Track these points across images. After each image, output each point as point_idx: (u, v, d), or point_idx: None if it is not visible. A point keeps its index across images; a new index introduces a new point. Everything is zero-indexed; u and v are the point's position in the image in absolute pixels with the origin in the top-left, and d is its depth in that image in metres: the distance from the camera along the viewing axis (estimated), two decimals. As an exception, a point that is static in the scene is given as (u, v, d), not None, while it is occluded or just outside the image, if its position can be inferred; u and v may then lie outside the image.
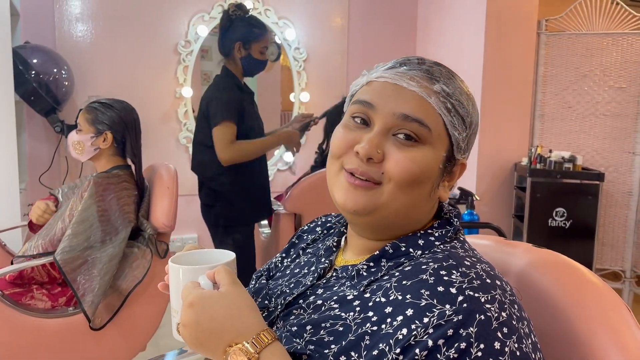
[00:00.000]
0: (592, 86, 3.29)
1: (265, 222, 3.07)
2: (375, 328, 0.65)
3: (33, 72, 2.76)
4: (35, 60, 2.80)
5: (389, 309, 0.66)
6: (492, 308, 0.61)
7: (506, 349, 0.59)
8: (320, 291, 0.77)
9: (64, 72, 2.92)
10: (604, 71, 3.27)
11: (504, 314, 0.62)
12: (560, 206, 2.97)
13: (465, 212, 2.70)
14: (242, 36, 2.34)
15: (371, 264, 0.75)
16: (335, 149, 0.76)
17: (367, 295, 0.70)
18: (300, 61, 3.61)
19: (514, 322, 0.62)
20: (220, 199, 2.40)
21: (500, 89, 3.14)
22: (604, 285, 0.76)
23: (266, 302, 0.84)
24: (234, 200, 2.39)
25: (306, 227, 0.99)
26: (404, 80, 0.72)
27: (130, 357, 1.94)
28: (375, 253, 0.75)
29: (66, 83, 2.93)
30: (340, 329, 0.68)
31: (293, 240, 0.98)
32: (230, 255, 0.77)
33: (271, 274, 0.95)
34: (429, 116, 0.71)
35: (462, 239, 0.77)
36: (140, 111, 2.07)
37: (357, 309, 0.69)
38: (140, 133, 2.00)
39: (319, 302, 0.74)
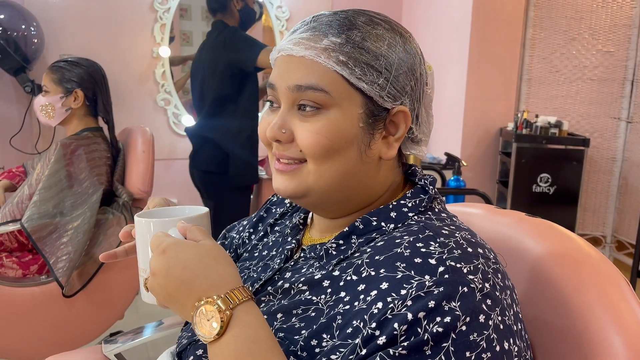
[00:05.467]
0: (580, 50, 3.23)
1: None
2: (347, 307, 0.61)
3: (0, 28, 2.61)
4: (2, 16, 2.65)
5: (361, 287, 0.61)
6: (475, 279, 0.57)
7: (490, 322, 0.56)
8: (288, 274, 0.72)
9: (32, 29, 2.76)
10: (592, 34, 3.21)
11: (487, 285, 0.58)
12: (545, 172, 2.94)
13: (452, 178, 2.66)
14: None
15: (340, 241, 0.69)
16: (261, 138, 0.72)
17: (337, 273, 0.65)
18: (283, 20, 3.47)
19: (497, 293, 0.59)
20: (234, 159, 2.37)
21: (487, 52, 3.06)
22: (602, 257, 0.71)
23: None
24: (245, 159, 2.39)
25: (275, 198, 0.93)
26: (292, 48, 0.67)
27: (108, 325, 1.90)
28: (345, 230, 0.70)
29: (35, 40, 2.78)
30: (313, 314, 0.64)
31: (261, 213, 0.92)
32: (202, 210, 0.71)
33: (239, 250, 0.90)
34: (322, 77, 0.65)
35: (437, 208, 0.71)
36: (115, 72, 1.97)
37: (329, 290, 0.64)
38: (109, 91, 1.91)
39: (287, 285, 0.70)
